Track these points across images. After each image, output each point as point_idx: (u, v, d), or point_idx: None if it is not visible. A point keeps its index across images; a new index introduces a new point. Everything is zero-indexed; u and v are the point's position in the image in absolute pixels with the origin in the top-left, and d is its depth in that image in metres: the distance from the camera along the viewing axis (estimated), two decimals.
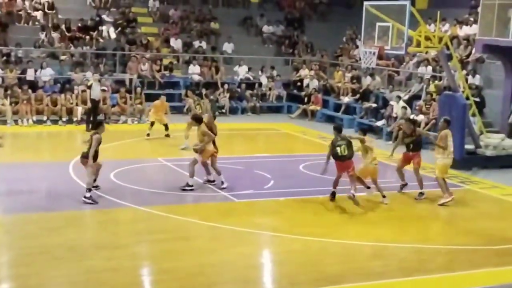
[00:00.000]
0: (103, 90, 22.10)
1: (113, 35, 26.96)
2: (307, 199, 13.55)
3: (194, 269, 9.54)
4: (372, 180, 13.59)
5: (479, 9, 19.48)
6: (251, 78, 27.06)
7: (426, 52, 21.97)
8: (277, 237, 11.20)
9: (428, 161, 14.78)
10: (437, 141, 13.66)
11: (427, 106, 20.45)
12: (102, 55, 25.46)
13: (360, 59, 21.05)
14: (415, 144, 14.07)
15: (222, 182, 13.99)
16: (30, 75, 23.15)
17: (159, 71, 25.36)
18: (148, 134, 19.49)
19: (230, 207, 13.02)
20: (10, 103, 21.31)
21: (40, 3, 26.98)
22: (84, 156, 12.62)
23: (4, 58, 23.73)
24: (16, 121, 21.15)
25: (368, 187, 13.66)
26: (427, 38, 16.33)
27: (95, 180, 12.98)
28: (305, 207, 13.05)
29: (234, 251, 10.35)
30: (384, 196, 13.45)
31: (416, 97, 21.95)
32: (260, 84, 26.85)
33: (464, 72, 20.57)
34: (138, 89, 23.38)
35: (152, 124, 19.68)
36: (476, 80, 20.75)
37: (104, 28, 26.99)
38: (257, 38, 30.27)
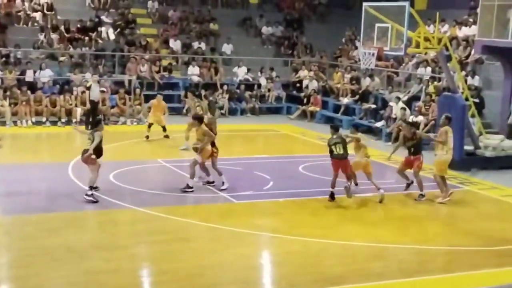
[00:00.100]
0: (102, 91, 22.09)
1: (112, 36, 26.95)
2: (307, 200, 13.55)
3: (194, 270, 9.54)
4: (366, 174, 13.78)
5: (478, 10, 19.47)
6: (250, 79, 27.06)
7: (425, 53, 22.00)
8: (276, 238, 11.19)
9: (429, 162, 14.77)
10: (437, 137, 13.77)
11: (426, 107, 20.45)
12: (101, 56, 25.46)
13: (359, 60, 21.04)
14: (416, 147, 14.12)
15: (223, 183, 13.99)
16: (29, 76, 23.14)
17: (158, 72, 25.36)
18: (147, 137, 19.45)
19: (230, 208, 13.02)
20: (9, 104, 21.29)
21: (39, 4, 26.97)
22: (86, 153, 12.64)
23: (3, 59, 23.72)
24: (15, 122, 21.14)
25: (356, 184, 13.96)
26: (426, 39, 16.34)
27: None
28: (305, 208, 13.05)
29: (234, 252, 10.34)
30: (379, 189, 13.60)
31: (416, 98, 21.96)
32: (260, 85, 26.86)
33: (463, 73, 20.57)
34: (137, 90, 23.38)
35: (149, 126, 19.67)
36: (476, 81, 20.75)
37: (103, 29, 26.98)
38: (256, 39, 30.27)
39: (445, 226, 12.62)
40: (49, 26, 26.12)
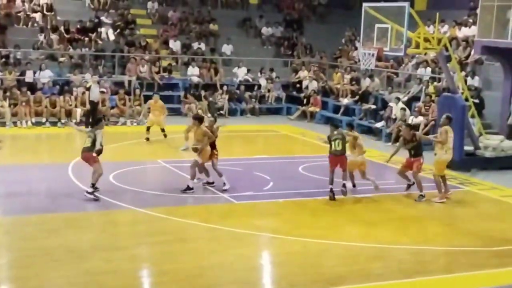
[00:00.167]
0: (102, 92, 22.10)
1: (112, 37, 26.95)
2: (307, 201, 13.56)
3: (194, 271, 9.54)
4: (360, 172, 13.96)
5: (478, 11, 19.47)
6: (250, 80, 27.06)
7: (425, 54, 22.01)
8: (276, 239, 11.19)
9: (429, 163, 14.76)
10: (437, 137, 13.83)
11: (426, 107, 20.45)
12: (101, 56, 25.46)
13: (359, 60, 21.06)
14: (415, 149, 14.13)
15: (224, 184, 14.00)
16: (29, 77, 23.14)
17: (158, 72, 25.35)
18: (147, 139, 19.42)
19: (230, 208, 13.01)
20: (9, 105, 21.29)
21: (39, 5, 26.97)
22: (87, 151, 12.62)
23: (3, 60, 23.72)
24: (15, 123, 21.13)
25: (354, 186, 14.14)
26: (426, 40, 16.34)
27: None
28: (305, 208, 13.06)
29: (234, 253, 10.33)
30: (376, 187, 13.80)
31: (415, 98, 21.96)
32: (259, 86, 26.86)
33: (463, 73, 20.57)
34: (137, 91, 23.38)
35: (148, 128, 19.65)
36: (475, 81, 20.76)
37: (103, 29, 26.98)
38: (256, 40, 30.28)
39: (445, 227, 12.62)
40: (48, 26, 26.12)
